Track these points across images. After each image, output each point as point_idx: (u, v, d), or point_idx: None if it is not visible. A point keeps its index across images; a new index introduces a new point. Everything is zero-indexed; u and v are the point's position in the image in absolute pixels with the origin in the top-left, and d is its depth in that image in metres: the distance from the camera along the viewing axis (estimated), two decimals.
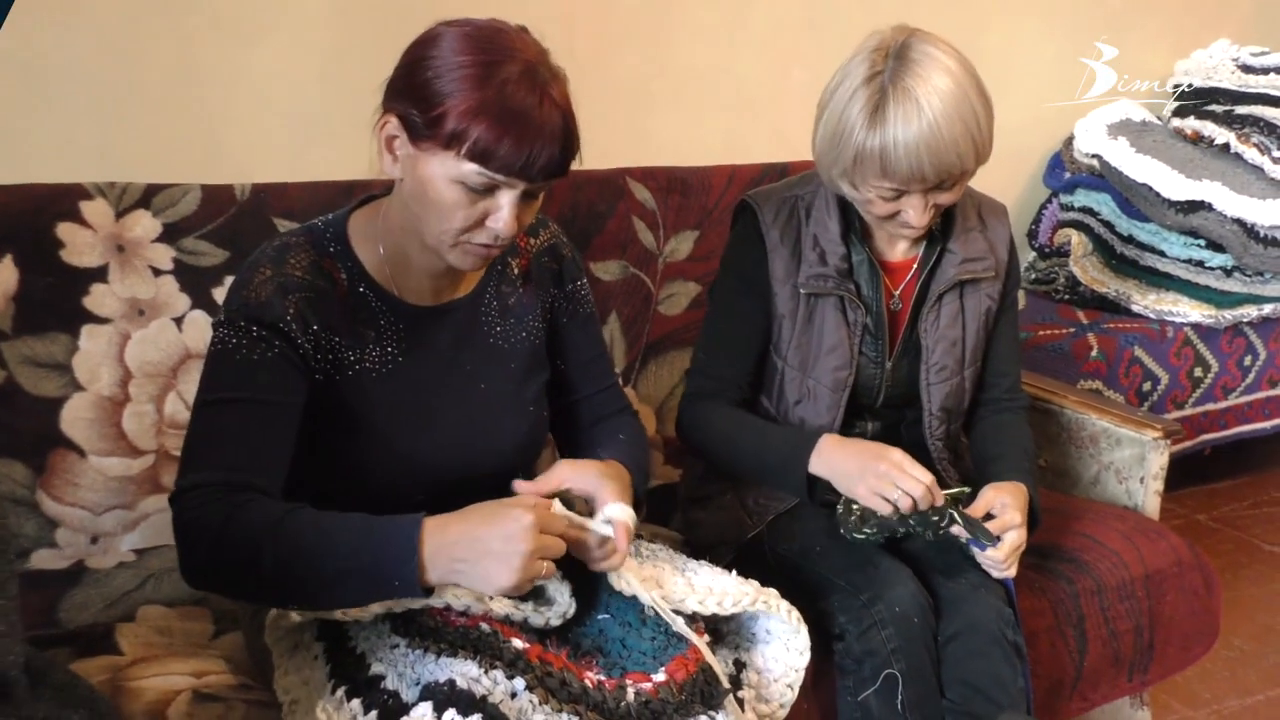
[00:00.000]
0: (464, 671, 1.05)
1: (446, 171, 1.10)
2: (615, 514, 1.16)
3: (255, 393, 1.14)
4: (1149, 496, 1.86)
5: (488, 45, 1.10)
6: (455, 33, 1.12)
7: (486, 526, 1.05)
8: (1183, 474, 2.80)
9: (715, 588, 1.20)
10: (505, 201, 1.12)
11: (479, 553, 1.04)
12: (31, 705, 0.81)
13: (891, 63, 1.38)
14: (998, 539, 1.42)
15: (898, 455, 1.41)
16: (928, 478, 1.39)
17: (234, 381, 1.14)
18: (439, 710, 1.00)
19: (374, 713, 1.06)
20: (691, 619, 1.19)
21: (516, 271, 1.34)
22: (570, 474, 1.20)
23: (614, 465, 1.26)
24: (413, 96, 1.11)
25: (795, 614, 1.23)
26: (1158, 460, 1.84)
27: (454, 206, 1.11)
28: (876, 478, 1.39)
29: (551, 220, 1.40)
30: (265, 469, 1.13)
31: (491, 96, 1.07)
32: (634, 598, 1.18)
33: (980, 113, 1.39)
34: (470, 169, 1.09)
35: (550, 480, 1.19)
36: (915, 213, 1.42)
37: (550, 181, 1.14)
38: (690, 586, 1.19)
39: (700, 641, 1.15)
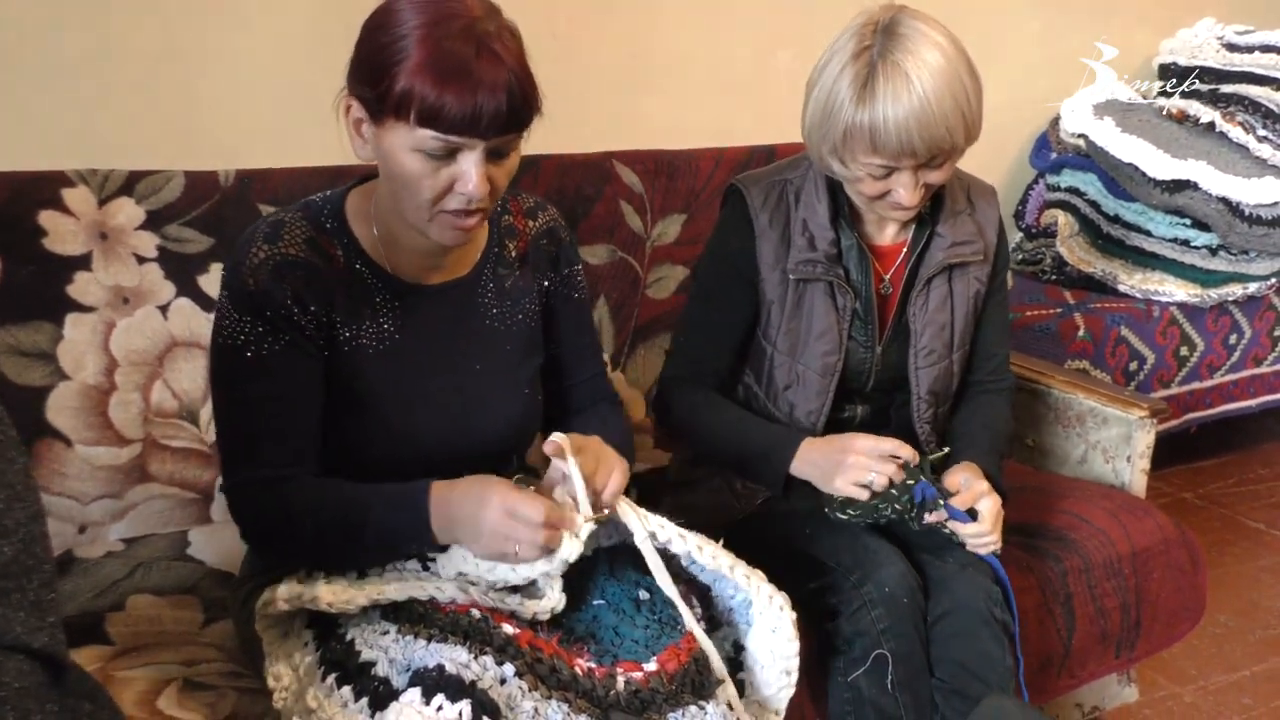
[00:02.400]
0: (453, 657, 1.05)
1: (404, 142, 1.10)
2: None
3: (271, 388, 1.17)
4: (1135, 475, 1.87)
5: (432, 10, 1.09)
6: (403, 4, 1.11)
7: (465, 501, 1.12)
8: (1169, 452, 2.82)
9: (694, 537, 1.19)
10: (468, 163, 1.11)
11: (464, 523, 1.12)
12: (83, 681, 0.81)
13: (880, 38, 1.37)
14: (973, 512, 1.43)
15: (860, 443, 1.43)
16: (892, 448, 1.42)
17: (249, 379, 1.17)
18: (428, 695, 1.00)
19: (364, 699, 1.06)
20: (689, 605, 1.19)
21: (514, 254, 1.33)
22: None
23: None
24: (365, 75, 1.11)
25: (778, 598, 1.21)
26: (1144, 439, 1.85)
27: (418, 176, 1.11)
28: (849, 469, 1.42)
29: (550, 204, 1.40)
30: (298, 453, 1.20)
31: (429, 55, 1.07)
32: (629, 585, 1.19)
33: (970, 89, 1.38)
34: (424, 134, 1.08)
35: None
36: (905, 191, 1.41)
37: (508, 137, 1.12)
38: (672, 527, 1.18)
39: (695, 624, 1.15)
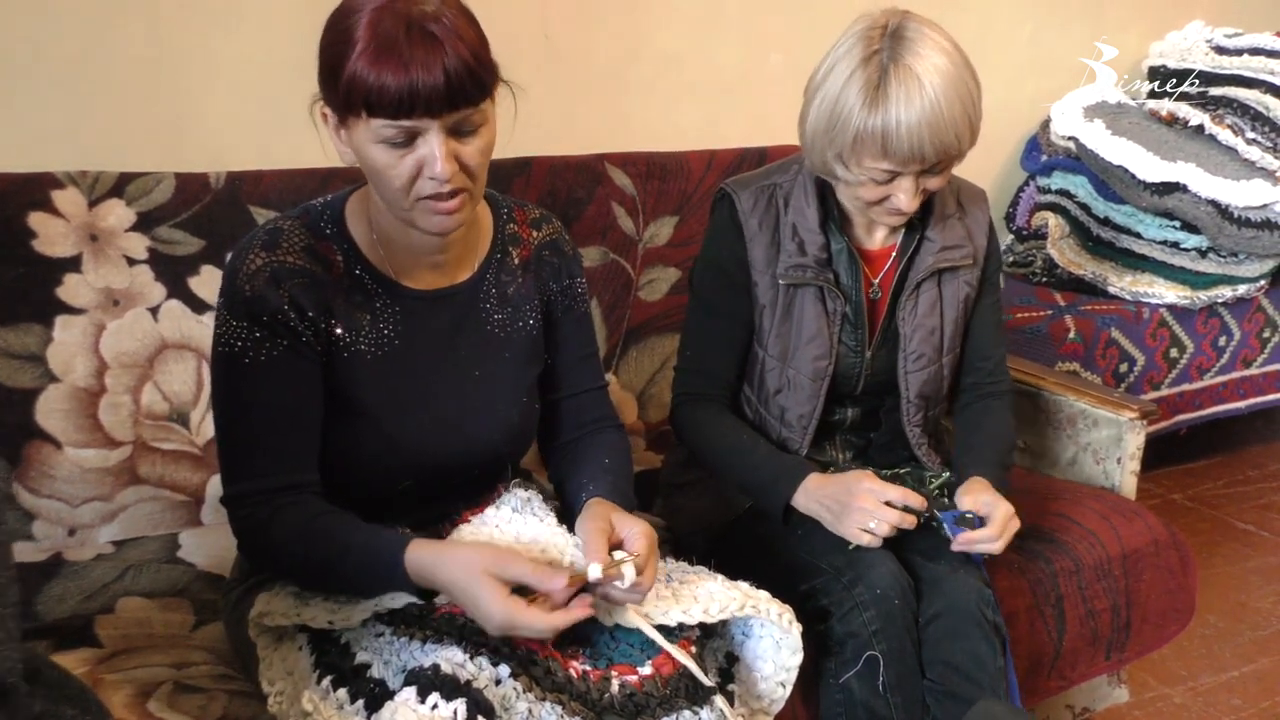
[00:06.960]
0: (449, 657, 1.04)
1: (366, 136, 1.10)
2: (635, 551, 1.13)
3: (271, 396, 1.16)
4: (1126, 477, 1.88)
5: (374, 3, 1.08)
6: (349, 5, 1.10)
7: (462, 598, 1.08)
8: (1159, 454, 2.84)
9: (700, 595, 1.18)
10: (427, 145, 1.09)
11: (461, 601, 1.09)
12: (29, 705, 0.80)
13: (889, 42, 1.37)
14: (981, 520, 1.44)
15: (867, 484, 1.43)
16: (898, 496, 1.42)
17: (248, 387, 1.16)
18: (423, 694, 1.00)
19: (360, 701, 1.06)
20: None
21: (517, 261, 1.33)
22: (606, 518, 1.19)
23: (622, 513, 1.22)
24: (325, 78, 1.11)
25: (787, 615, 1.21)
26: (1134, 441, 1.86)
27: (385, 168, 1.10)
28: (854, 514, 1.42)
29: (555, 217, 1.39)
30: (297, 462, 1.18)
31: (365, 43, 1.06)
32: None
33: (975, 94, 1.39)
34: (377, 124, 1.08)
35: (604, 536, 1.16)
36: (906, 197, 1.41)
37: (464, 112, 1.10)
38: (675, 597, 1.17)
39: (681, 654, 1.14)
